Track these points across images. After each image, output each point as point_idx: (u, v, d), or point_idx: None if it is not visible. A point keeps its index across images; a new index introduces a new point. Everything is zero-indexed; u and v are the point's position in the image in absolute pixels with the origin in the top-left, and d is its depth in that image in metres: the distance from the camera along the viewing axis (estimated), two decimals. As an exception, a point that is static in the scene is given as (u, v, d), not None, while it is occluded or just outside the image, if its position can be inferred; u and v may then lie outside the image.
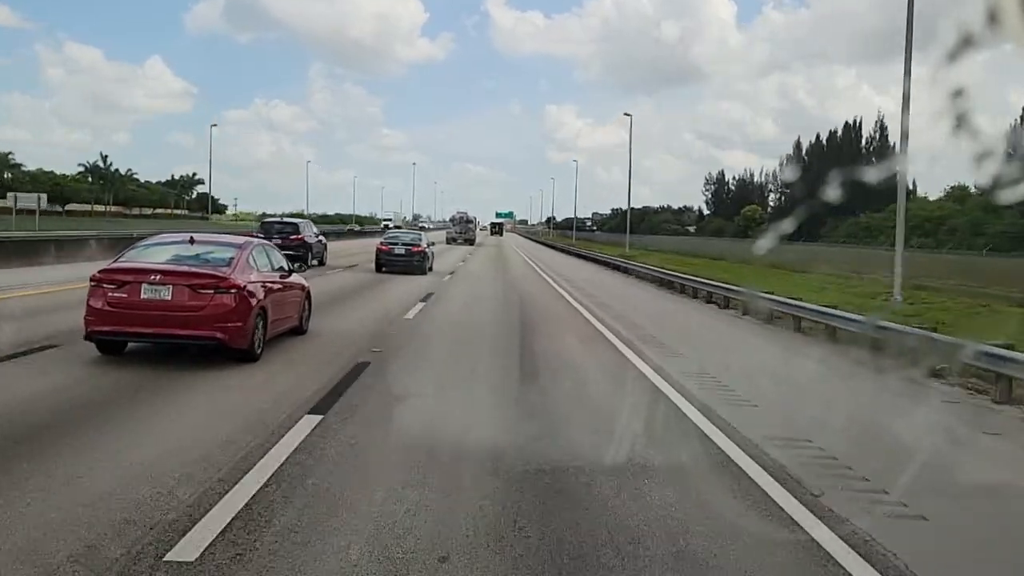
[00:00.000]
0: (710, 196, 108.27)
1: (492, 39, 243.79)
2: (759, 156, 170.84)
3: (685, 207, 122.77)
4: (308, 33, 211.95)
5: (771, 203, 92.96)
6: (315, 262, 25.82)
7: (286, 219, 30.00)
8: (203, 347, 8.30)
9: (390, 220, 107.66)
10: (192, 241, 9.13)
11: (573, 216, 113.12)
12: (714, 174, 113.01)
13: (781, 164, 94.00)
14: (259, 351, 8.79)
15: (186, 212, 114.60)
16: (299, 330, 10.56)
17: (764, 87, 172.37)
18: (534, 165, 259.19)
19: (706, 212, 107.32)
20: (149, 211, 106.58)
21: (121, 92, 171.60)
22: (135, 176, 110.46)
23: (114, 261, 8.63)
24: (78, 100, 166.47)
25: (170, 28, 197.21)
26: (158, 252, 8.95)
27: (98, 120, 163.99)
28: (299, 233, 26.03)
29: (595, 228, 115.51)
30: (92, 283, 8.20)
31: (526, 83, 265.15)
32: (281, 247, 25.27)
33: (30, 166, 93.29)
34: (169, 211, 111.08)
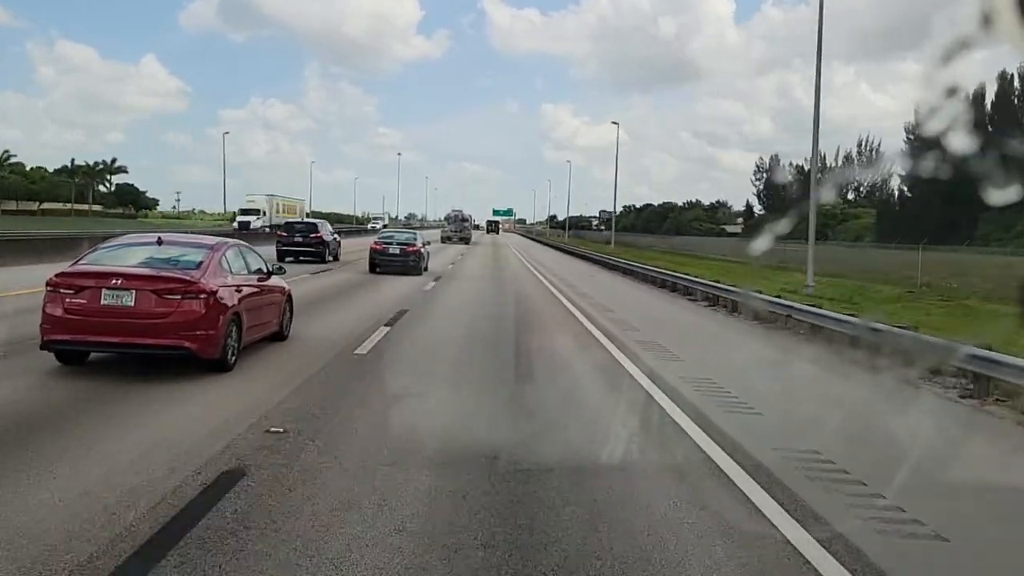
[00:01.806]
0: (761, 187, 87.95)
1: (488, 37, 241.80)
2: (758, 154, 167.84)
3: (719, 202, 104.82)
4: (303, 31, 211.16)
5: (852, 193, 73.66)
6: (331, 258, 28.52)
7: (307, 220, 33.14)
8: (171, 357, 7.81)
9: (252, 214, 57.49)
10: (160, 242, 8.60)
11: (612, 207, 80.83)
12: (766, 160, 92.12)
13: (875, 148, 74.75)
14: (233, 360, 8.25)
15: (100, 208, 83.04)
16: (279, 336, 10.03)
17: (762, 85, 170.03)
18: (530, 164, 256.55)
19: (756, 208, 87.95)
20: (35, 206, 75.46)
21: (115, 91, 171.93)
22: (11, 159, 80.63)
23: (73, 264, 8.12)
24: (71, 99, 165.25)
25: (165, 26, 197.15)
26: (122, 254, 8.41)
27: (92, 119, 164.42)
28: (318, 232, 28.93)
29: (602, 227, 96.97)
30: (48, 288, 7.68)
31: (522, 81, 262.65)
32: (302, 243, 28.88)
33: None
34: (68, 206, 77.83)
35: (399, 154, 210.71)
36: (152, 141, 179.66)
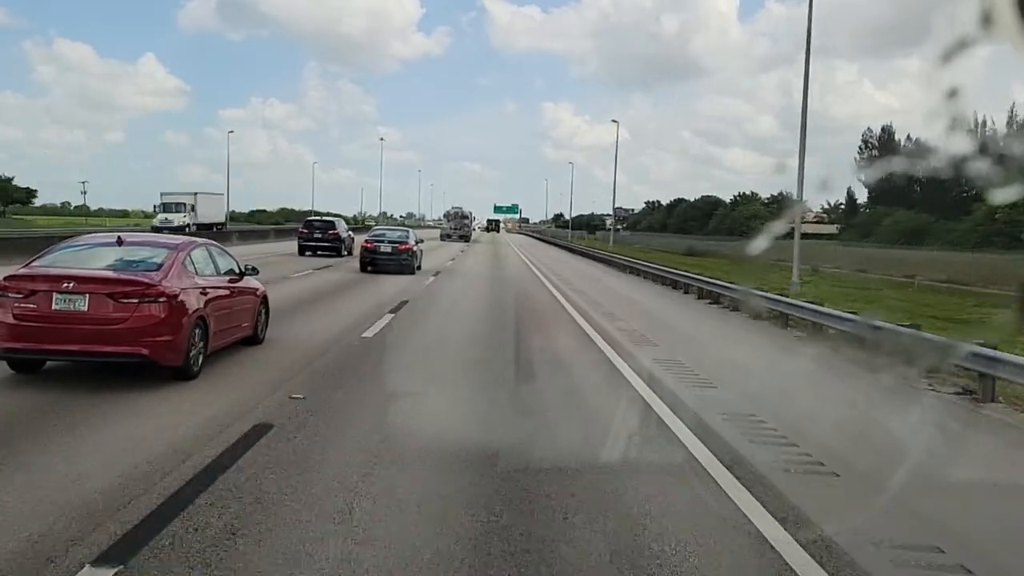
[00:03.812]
0: (869, 168, 67.85)
1: (489, 35, 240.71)
2: (758, 153, 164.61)
3: (782, 194, 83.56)
4: (302, 30, 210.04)
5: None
6: (346, 252, 31.20)
7: (325, 218, 35.52)
8: (130, 365, 7.32)
9: None
10: (120, 242, 8.09)
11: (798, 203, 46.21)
12: (875, 131, 67.27)
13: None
14: (197, 367, 7.75)
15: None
16: (253, 339, 9.51)
17: (765, 82, 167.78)
18: (531, 163, 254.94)
19: (862, 200, 63.75)
20: None
21: (114, 90, 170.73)
22: None
23: (24, 266, 7.62)
24: (70, 98, 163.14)
25: (163, 26, 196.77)
26: (79, 255, 7.90)
27: (92, 119, 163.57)
28: (335, 229, 32.04)
29: (619, 227, 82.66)
30: (-3, 292, 7.21)
31: (523, 80, 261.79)
32: (321, 239, 31.37)
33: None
34: None
35: (381, 139, 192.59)
36: (151, 141, 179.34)
